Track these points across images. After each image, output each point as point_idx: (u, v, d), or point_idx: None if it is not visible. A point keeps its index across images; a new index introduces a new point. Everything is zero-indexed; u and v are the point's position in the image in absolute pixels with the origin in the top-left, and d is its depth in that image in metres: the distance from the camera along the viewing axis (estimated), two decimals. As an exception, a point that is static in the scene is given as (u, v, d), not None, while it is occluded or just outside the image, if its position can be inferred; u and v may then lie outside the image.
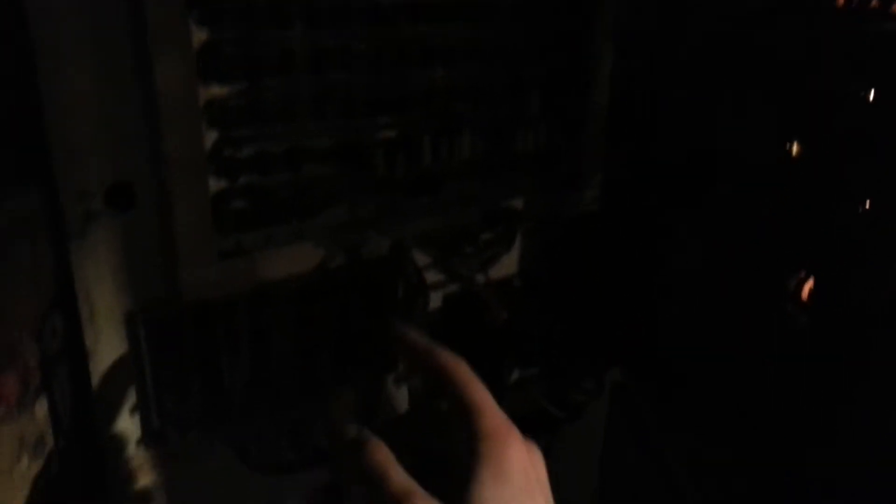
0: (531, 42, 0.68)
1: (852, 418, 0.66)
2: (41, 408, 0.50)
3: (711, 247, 0.76)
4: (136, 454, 0.57)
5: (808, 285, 0.77)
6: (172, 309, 0.55)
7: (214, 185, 0.54)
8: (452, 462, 0.39)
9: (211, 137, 0.54)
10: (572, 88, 0.73)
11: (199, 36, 0.51)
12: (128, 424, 0.56)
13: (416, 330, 0.45)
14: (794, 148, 0.76)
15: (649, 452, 0.86)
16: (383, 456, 0.38)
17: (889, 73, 0.62)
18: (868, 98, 0.64)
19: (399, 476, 0.37)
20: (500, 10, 0.65)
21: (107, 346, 0.54)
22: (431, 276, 0.68)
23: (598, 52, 0.73)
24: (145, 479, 0.58)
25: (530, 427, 0.76)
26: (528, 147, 0.71)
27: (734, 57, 0.74)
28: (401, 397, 0.68)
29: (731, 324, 0.74)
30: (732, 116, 0.73)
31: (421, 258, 0.67)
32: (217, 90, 0.53)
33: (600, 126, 0.76)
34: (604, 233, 0.77)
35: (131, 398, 0.56)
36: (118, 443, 0.56)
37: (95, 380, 0.53)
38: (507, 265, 0.74)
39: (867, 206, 0.65)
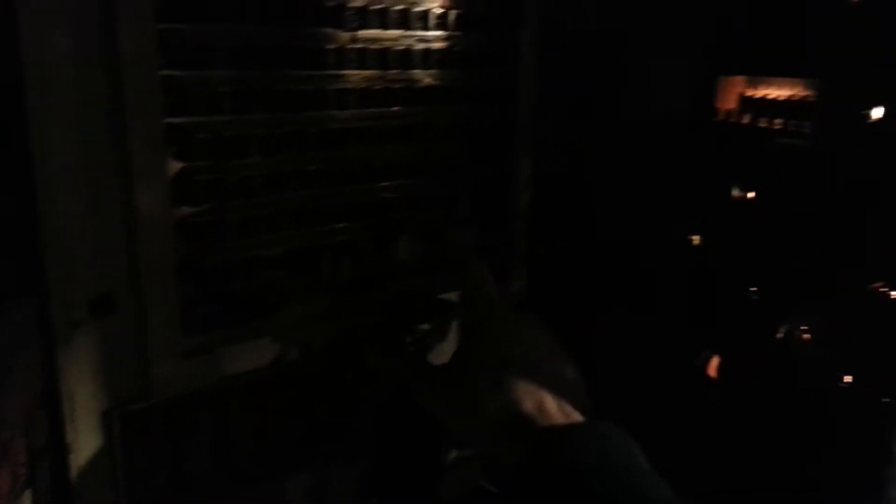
0: (462, 156, 0.80)
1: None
2: (27, 501, 0.55)
3: (630, 318, 0.87)
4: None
5: (714, 362, 0.88)
6: (143, 405, 0.62)
7: (184, 292, 0.63)
8: None
9: (182, 250, 0.62)
10: (498, 194, 0.85)
11: (174, 167, 0.61)
12: (102, 514, 0.61)
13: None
14: (696, 238, 0.90)
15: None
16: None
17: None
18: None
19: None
20: (434, 131, 0.77)
21: (86, 441, 0.60)
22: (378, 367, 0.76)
23: (519, 162, 0.86)
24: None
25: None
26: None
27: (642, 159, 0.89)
28: (351, 478, 0.75)
29: (655, 410, 0.84)
30: (639, 209, 0.87)
31: (368, 350, 0.75)
32: (187, 210, 0.62)
33: (524, 225, 0.88)
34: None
35: (106, 489, 0.61)
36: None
37: (74, 472, 0.59)
38: (445, 353, 0.82)
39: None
